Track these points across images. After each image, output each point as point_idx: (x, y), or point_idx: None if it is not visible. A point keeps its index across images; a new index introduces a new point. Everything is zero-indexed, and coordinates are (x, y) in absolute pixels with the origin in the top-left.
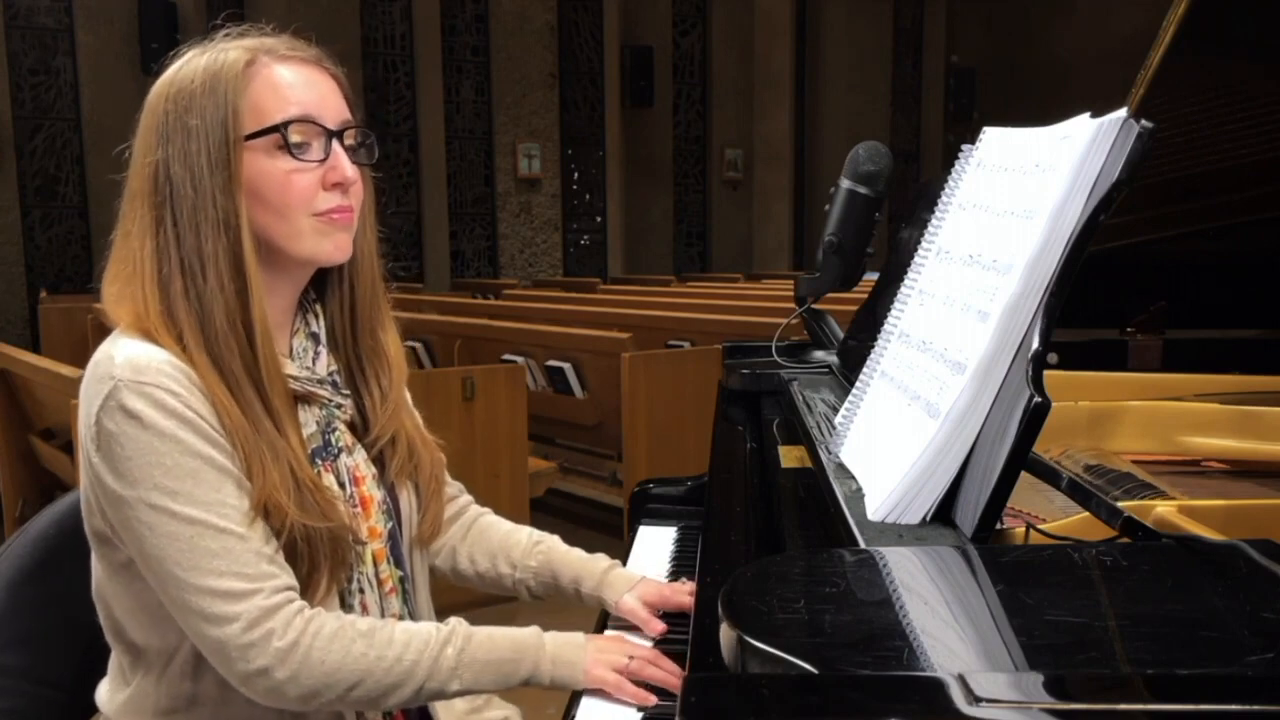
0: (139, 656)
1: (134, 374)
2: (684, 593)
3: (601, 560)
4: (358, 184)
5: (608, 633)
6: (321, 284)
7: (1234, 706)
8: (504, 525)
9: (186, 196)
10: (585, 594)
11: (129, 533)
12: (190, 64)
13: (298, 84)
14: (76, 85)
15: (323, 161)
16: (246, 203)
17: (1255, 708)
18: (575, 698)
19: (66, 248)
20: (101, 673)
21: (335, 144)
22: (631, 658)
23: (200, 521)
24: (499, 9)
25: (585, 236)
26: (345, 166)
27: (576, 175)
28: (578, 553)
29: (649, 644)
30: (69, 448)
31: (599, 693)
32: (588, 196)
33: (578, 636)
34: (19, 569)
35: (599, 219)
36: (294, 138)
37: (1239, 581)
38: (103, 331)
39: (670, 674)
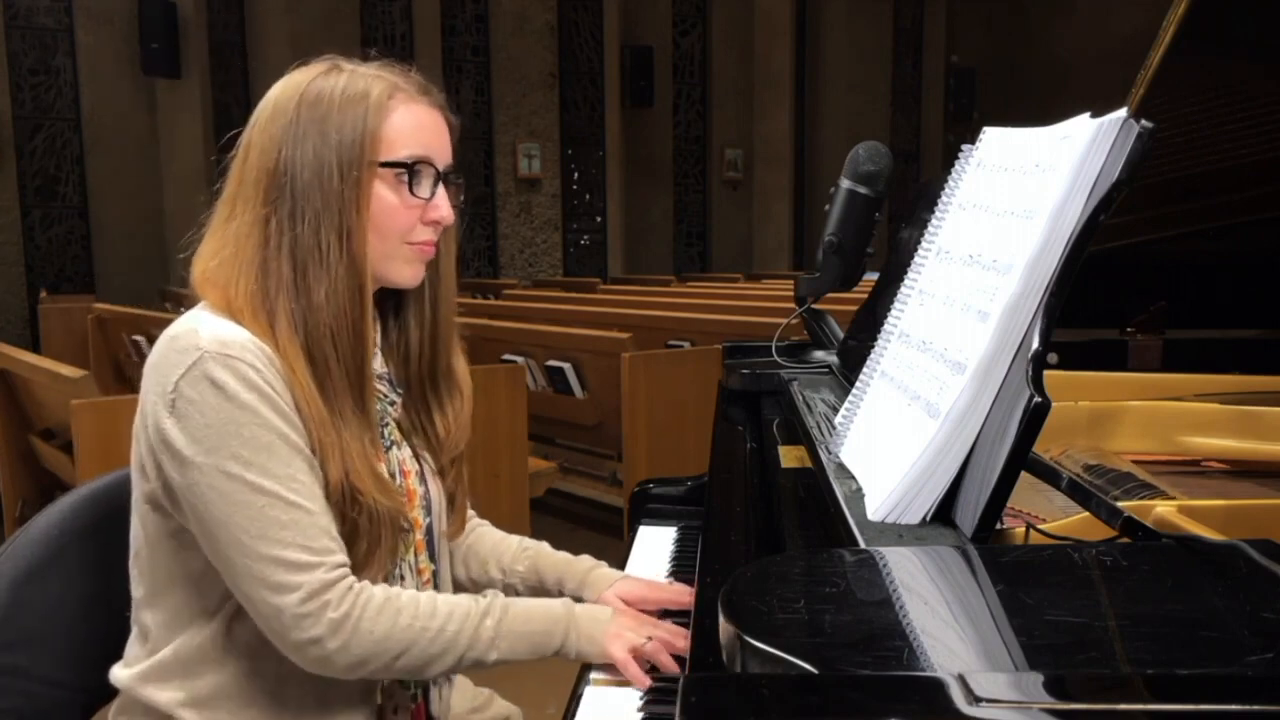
0: (170, 624)
1: (220, 347)
2: (667, 589)
3: (585, 560)
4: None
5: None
6: (386, 303)
7: (1234, 706)
8: (496, 533)
9: (311, 198)
10: (568, 594)
11: (196, 498)
12: (329, 78)
13: (427, 127)
14: (76, 85)
15: (428, 200)
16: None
17: (1255, 708)
18: (575, 698)
19: (66, 248)
20: (103, 668)
21: (441, 187)
22: (650, 638)
23: (272, 493)
24: (499, 9)
25: (585, 236)
26: (445, 208)
27: (576, 175)
28: (563, 555)
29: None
30: (69, 448)
31: (599, 692)
32: (588, 196)
33: (604, 611)
34: (19, 568)
35: (599, 219)
36: (416, 175)
37: (1239, 581)
38: (102, 330)
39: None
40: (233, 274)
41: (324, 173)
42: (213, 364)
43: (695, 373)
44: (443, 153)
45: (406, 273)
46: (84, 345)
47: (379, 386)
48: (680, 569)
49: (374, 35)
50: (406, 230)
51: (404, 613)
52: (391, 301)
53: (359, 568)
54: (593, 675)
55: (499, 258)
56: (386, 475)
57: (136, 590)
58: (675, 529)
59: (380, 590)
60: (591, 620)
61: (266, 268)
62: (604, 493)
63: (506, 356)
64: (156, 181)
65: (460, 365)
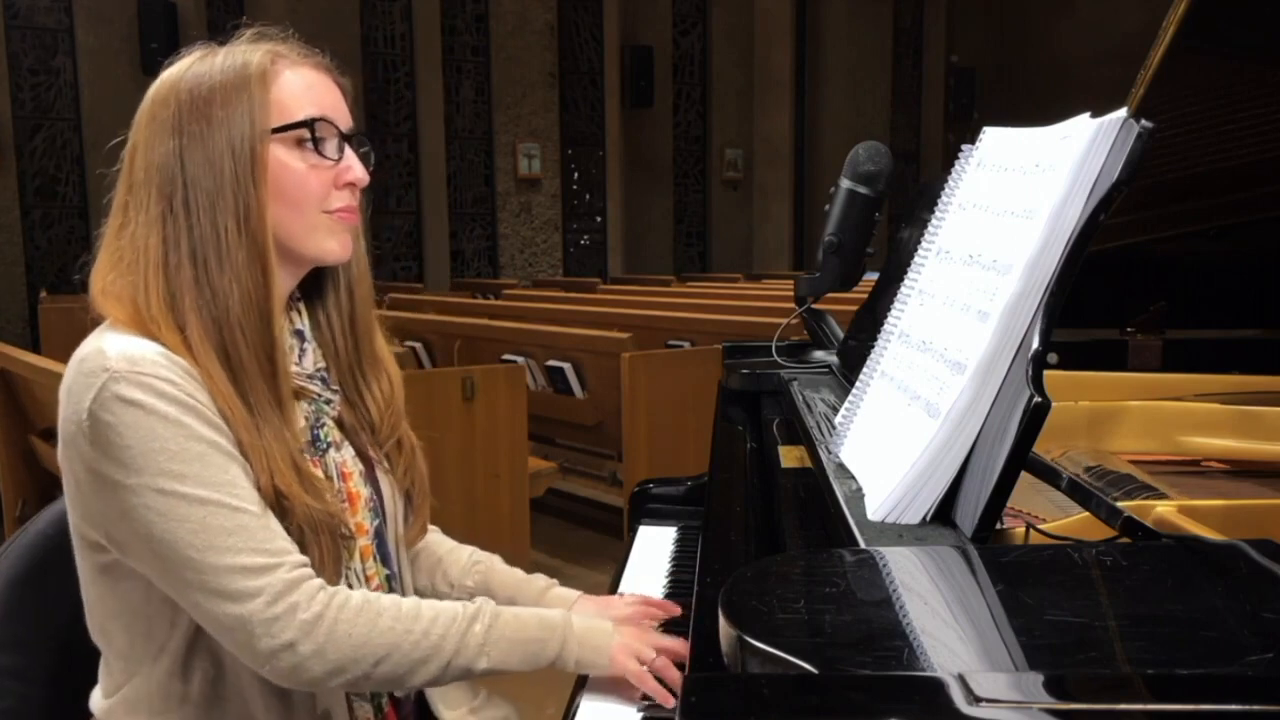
0: (126, 658)
1: (129, 365)
2: (624, 605)
3: (539, 580)
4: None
5: (629, 600)
6: (308, 288)
7: (1234, 706)
8: (447, 543)
9: (203, 186)
10: None
11: (136, 522)
12: (205, 61)
13: (318, 87)
14: (76, 85)
15: (337, 162)
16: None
17: (1255, 708)
18: (575, 698)
19: (66, 248)
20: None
21: (348, 146)
22: (658, 653)
23: (212, 501)
24: (499, 9)
25: (585, 236)
26: (358, 168)
27: (576, 175)
28: (516, 572)
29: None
30: None
31: (599, 693)
32: (588, 196)
33: (605, 624)
34: (19, 569)
35: (599, 219)
36: (318, 134)
37: (1239, 581)
38: None
39: None
40: (138, 281)
41: (214, 155)
42: (124, 384)
43: (695, 373)
44: (341, 114)
45: (332, 245)
46: None
47: (311, 386)
48: (680, 569)
49: (374, 35)
50: (321, 197)
51: (384, 615)
52: (315, 294)
53: None
54: (586, 693)
55: (499, 258)
56: (316, 474)
57: (89, 623)
58: (675, 529)
59: (358, 593)
60: (595, 632)
61: (169, 267)
62: (604, 493)
63: (506, 356)
64: None
65: (384, 349)
